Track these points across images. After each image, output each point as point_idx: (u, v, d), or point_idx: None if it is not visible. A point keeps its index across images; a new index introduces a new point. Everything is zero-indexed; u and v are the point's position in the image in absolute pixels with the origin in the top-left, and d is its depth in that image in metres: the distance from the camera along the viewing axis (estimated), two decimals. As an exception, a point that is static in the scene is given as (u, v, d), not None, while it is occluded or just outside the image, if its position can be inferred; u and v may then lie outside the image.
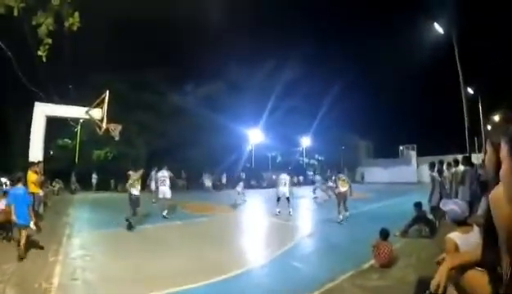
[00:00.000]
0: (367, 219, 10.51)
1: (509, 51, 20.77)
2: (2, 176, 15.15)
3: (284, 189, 11.80)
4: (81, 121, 17.27)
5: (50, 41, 4.81)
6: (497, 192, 0.90)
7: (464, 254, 1.98)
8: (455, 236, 2.57)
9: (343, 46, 56.41)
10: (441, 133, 37.05)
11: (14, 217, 5.78)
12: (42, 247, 6.22)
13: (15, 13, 4.50)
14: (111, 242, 7.57)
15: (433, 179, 8.54)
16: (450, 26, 16.40)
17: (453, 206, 2.75)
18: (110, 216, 11.67)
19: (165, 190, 10.99)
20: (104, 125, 11.49)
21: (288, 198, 11.71)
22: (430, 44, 19.15)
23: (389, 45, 43.91)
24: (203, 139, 27.70)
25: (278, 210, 11.50)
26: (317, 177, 19.85)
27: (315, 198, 17.55)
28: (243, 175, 23.34)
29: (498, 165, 0.95)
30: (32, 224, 5.90)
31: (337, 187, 10.32)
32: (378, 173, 41.58)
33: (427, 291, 1.81)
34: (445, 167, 8.79)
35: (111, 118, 11.90)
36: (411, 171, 39.88)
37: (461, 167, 8.61)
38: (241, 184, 16.41)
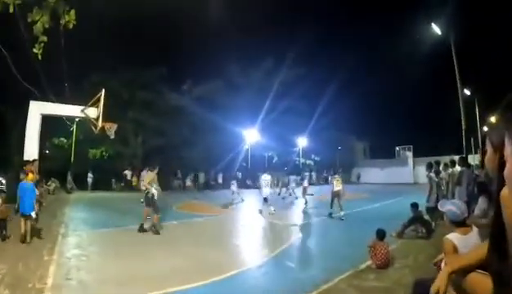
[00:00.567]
0: (363, 219, 10.52)
1: (506, 53, 20.84)
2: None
3: (267, 190, 11.96)
4: (77, 120, 17.09)
5: (45, 39, 4.74)
6: (506, 192, 0.88)
7: (465, 257, 1.96)
8: (453, 237, 2.54)
9: (340, 46, 56.52)
10: (437, 134, 37.22)
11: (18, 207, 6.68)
12: (41, 238, 6.96)
13: (11, 10, 4.43)
14: (107, 241, 7.52)
15: (430, 179, 8.56)
16: (447, 27, 16.47)
17: (452, 206, 2.72)
18: (106, 215, 11.61)
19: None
20: (99, 124, 11.41)
21: (265, 199, 11.84)
22: (427, 45, 19.23)
23: (386, 45, 44.11)
24: (199, 138, 27.59)
25: (273, 208, 11.66)
26: (292, 177, 19.86)
27: (283, 198, 17.89)
28: (239, 175, 23.28)
29: (499, 165, 0.93)
30: (33, 214, 6.69)
31: (332, 186, 10.95)
32: (374, 174, 41.61)
33: None
34: (441, 167, 8.82)
35: (107, 116, 11.83)
36: (407, 172, 39.95)
37: (458, 168, 8.65)
38: (235, 183, 16.39)
